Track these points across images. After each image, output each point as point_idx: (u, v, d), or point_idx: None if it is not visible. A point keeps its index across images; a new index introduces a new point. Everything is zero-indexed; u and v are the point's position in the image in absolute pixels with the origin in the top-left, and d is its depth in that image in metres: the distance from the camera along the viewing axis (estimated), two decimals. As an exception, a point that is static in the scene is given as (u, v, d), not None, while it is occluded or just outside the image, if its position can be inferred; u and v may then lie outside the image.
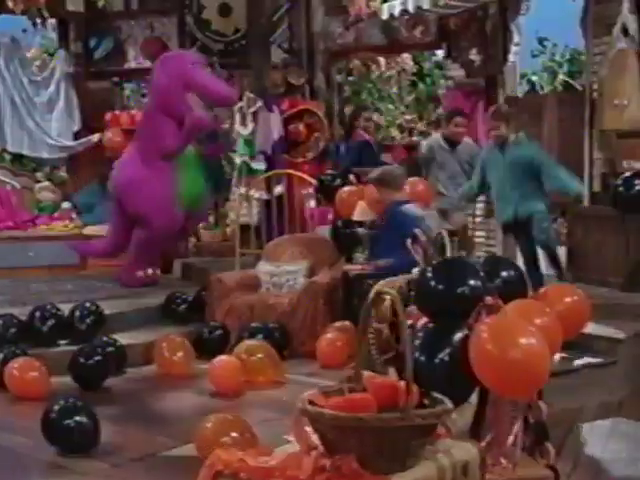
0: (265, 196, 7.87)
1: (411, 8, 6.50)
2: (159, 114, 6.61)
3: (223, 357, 5.01)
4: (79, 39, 8.68)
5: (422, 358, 2.16)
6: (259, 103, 8.03)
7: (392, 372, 2.63)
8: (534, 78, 12.07)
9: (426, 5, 6.33)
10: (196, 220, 7.69)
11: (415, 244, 3.15)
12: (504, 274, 2.69)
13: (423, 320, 2.89)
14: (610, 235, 5.66)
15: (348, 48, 8.52)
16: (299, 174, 7.01)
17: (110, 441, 3.85)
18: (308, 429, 1.76)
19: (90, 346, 5.16)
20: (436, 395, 1.73)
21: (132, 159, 6.88)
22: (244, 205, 8.11)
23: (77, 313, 5.66)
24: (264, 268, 6.41)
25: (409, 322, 2.96)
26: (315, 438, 1.69)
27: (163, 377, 5.24)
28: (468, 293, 2.25)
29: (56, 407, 3.75)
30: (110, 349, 5.28)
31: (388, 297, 3.14)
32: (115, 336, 5.57)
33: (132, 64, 8.81)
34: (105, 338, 5.41)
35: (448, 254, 3.07)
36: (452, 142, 6.85)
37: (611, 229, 5.69)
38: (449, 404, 1.71)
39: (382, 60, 10.42)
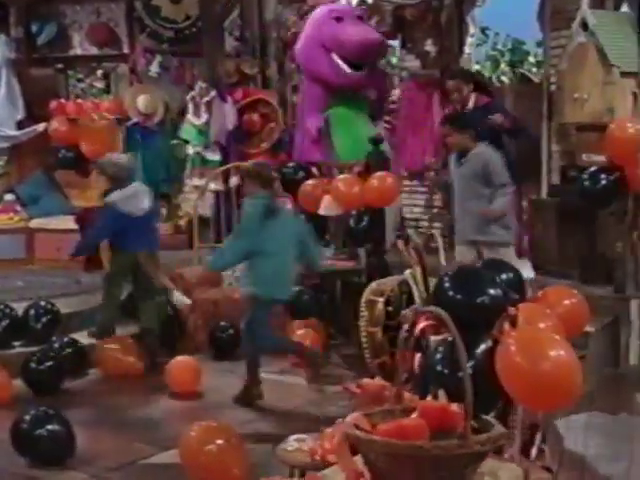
0: (221, 187, 7.73)
1: (370, -1, 6.43)
2: None
3: (181, 358, 4.92)
4: (20, 24, 8.30)
5: (445, 371, 2.12)
6: (212, 93, 7.87)
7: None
8: (477, 67, 12.23)
9: (384, -5, 6.27)
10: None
11: (408, 245, 3.11)
12: (504, 277, 2.67)
13: (421, 324, 2.87)
14: (571, 227, 5.75)
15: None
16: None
17: (85, 449, 3.71)
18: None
19: (44, 349, 4.95)
20: (483, 417, 1.69)
21: None
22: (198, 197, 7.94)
23: (32, 312, 5.44)
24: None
25: (406, 327, 2.95)
26: (362, 464, 1.63)
27: (123, 379, 5.09)
28: (489, 303, 2.22)
29: (27, 417, 3.58)
30: (68, 350, 5.09)
31: (381, 300, 3.13)
32: (75, 336, 5.39)
33: (78, 50, 8.48)
34: (65, 339, 5.22)
35: (441, 256, 3.04)
36: None
37: (572, 221, 5.78)
38: (500, 427, 1.68)
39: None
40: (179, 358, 4.93)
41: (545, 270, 6.05)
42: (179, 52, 8.26)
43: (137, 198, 5.35)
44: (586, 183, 4.80)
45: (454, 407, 1.64)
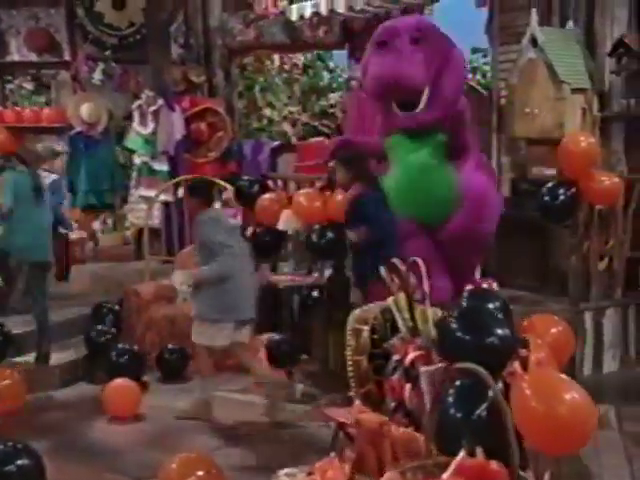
0: (170, 198, 7.59)
1: (324, 10, 6.41)
2: None
3: (119, 380, 4.81)
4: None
5: (458, 415, 2.11)
6: (160, 101, 7.71)
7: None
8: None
9: (341, 9, 6.26)
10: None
11: (392, 273, 3.11)
12: (491, 306, 2.70)
13: (411, 355, 2.87)
14: (524, 240, 5.88)
15: (248, 45, 8.32)
16: (216, 180, 6.78)
17: (55, 483, 3.56)
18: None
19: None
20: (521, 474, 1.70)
21: None
22: (144, 207, 7.78)
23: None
24: (179, 277, 6.17)
25: (396, 357, 2.95)
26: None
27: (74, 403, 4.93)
28: (498, 344, 2.24)
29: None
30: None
31: (366, 328, 3.12)
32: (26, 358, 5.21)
33: (15, 57, 8.18)
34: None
35: (425, 285, 3.05)
36: None
37: (525, 234, 5.91)
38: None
39: (276, 55, 10.30)
40: (117, 381, 4.80)
41: (498, 282, 6.18)
42: (123, 59, 8.07)
43: None
44: (546, 198, 4.91)
45: (494, 465, 1.65)
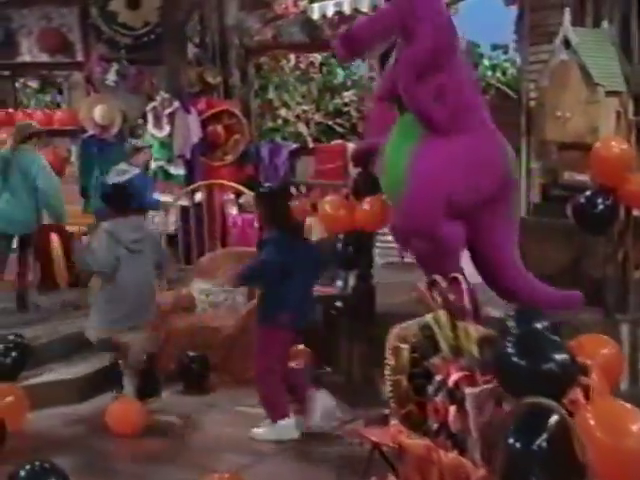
0: (187, 203, 7.60)
1: (347, 10, 6.40)
2: None
3: (123, 399, 4.81)
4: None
5: (517, 445, 2.09)
6: (175, 104, 7.72)
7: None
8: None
9: (365, 8, 6.25)
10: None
11: (433, 289, 3.10)
12: (540, 326, 2.69)
13: (455, 376, 2.86)
14: (555, 248, 5.85)
15: (266, 45, 8.33)
16: (235, 185, 6.80)
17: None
18: None
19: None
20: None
21: None
22: (159, 213, 7.79)
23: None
24: (199, 286, 6.19)
25: (438, 377, 2.94)
26: None
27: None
28: (558, 371, 2.22)
29: (22, 473, 3.41)
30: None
31: (406, 347, 3.11)
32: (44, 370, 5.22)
33: (26, 57, 8.21)
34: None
35: (466, 302, 3.04)
36: None
37: (555, 242, 5.88)
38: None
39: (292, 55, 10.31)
40: (121, 399, 4.79)
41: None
42: (137, 60, 8.07)
43: None
44: (583, 207, 4.88)
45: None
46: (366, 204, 5.31)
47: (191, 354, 5.50)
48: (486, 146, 4.39)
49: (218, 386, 5.48)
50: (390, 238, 7.11)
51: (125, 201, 5.21)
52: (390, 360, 3.06)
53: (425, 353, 3.07)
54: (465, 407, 2.73)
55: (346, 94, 15.17)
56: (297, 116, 12.97)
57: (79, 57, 8.07)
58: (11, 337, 5.23)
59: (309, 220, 5.63)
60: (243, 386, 5.40)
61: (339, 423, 4.65)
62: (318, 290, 5.61)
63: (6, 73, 8.27)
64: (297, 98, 13.66)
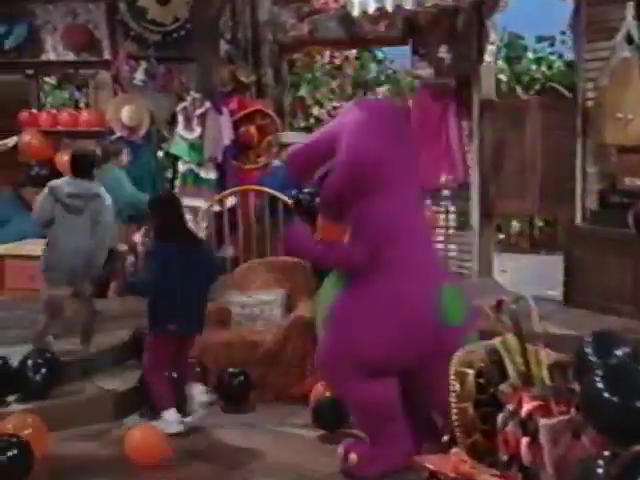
0: (219, 208, 7.60)
1: (389, 6, 6.38)
2: None
3: (143, 426, 4.70)
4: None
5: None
6: (207, 104, 7.74)
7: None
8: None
9: (408, 4, 6.22)
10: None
11: (500, 310, 3.07)
12: (618, 353, 2.64)
13: (528, 405, 2.83)
14: (616, 258, 5.78)
15: (301, 41, 8.32)
16: (271, 191, 6.78)
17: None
18: None
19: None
20: None
21: None
22: (188, 218, 7.80)
23: (30, 362, 5.23)
24: (234, 298, 6.19)
25: (510, 407, 2.90)
26: None
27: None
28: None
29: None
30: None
31: (471, 372, 3.08)
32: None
33: (51, 55, 8.27)
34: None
35: (534, 321, 3.00)
36: None
37: (615, 251, 5.81)
38: None
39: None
40: (140, 426, 4.70)
41: (580, 303, 6.09)
42: (166, 58, 8.10)
43: None
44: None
45: None
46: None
47: (231, 370, 5.49)
48: (412, 293, 3.98)
49: (258, 404, 5.46)
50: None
51: (83, 166, 5.56)
52: (454, 386, 3.02)
53: (492, 379, 3.03)
54: (539, 439, 2.70)
55: (379, 90, 15.13)
56: (329, 114, 12.95)
57: (106, 55, 8.10)
58: (41, 352, 5.30)
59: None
60: (284, 404, 5.43)
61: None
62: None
63: (29, 72, 8.31)
64: (329, 94, 13.64)
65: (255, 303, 6.09)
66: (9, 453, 4.16)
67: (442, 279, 4.15)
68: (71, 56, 8.21)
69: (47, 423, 4.60)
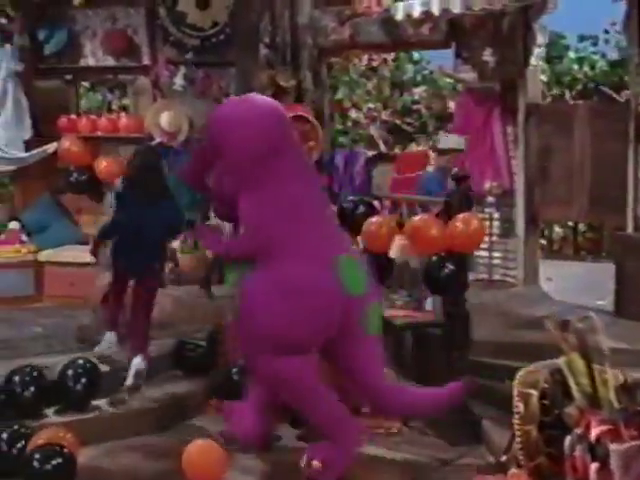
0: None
1: (436, 10, 6.33)
2: None
3: (200, 442, 4.50)
4: (25, 31, 8.16)
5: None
6: (246, 109, 7.73)
7: None
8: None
9: (457, 9, 6.17)
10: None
11: (564, 328, 3.02)
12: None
13: (597, 429, 2.78)
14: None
15: (342, 45, 8.30)
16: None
17: None
18: None
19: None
20: None
21: None
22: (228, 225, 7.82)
23: (69, 373, 5.27)
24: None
25: (578, 431, 2.86)
26: None
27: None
28: None
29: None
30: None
31: (535, 394, 3.03)
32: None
33: (90, 60, 8.34)
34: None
35: (602, 341, 2.95)
36: None
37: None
38: None
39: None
40: (198, 442, 4.52)
41: (633, 315, 6.00)
42: (205, 62, 8.13)
43: None
44: None
45: None
46: (460, 223, 5.26)
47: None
48: (313, 274, 4.28)
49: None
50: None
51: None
52: (518, 407, 2.98)
53: (556, 400, 2.99)
54: (609, 465, 2.65)
55: (416, 90, 15.07)
56: (367, 117, 12.95)
57: (145, 60, 8.14)
58: (80, 361, 5.31)
59: (397, 240, 5.55)
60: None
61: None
62: (410, 316, 5.58)
63: (68, 77, 8.39)
64: (365, 96, 13.63)
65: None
66: (53, 462, 4.22)
67: (340, 251, 4.43)
68: (110, 61, 8.26)
69: (88, 435, 4.63)
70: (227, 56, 8.10)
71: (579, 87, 13.16)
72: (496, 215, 7.68)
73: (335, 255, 4.34)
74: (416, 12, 6.52)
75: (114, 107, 12.51)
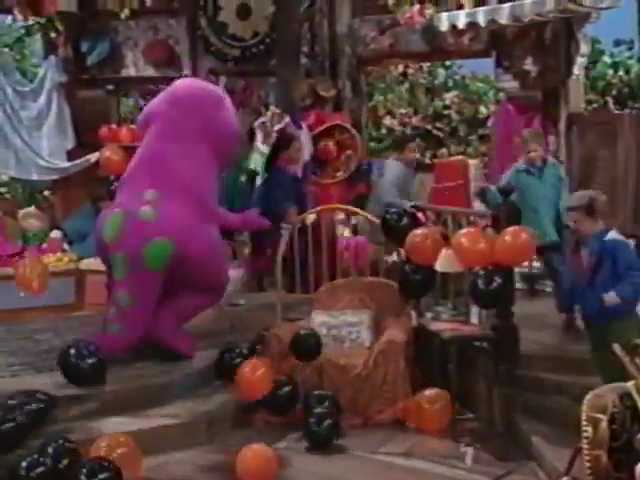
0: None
1: (482, 21, 6.29)
2: None
3: (256, 446, 4.62)
4: (69, 42, 8.23)
5: None
6: (286, 119, 7.74)
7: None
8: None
9: (504, 20, 6.12)
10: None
11: (634, 353, 2.98)
12: None
13: (672, 456, 2.73)
14: None
15: (382, 54, 8.29)
16: (358, 211, 6.76)
17: None
18: None
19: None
20: None
21: None
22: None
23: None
24: (319, 318, 6.17)
25: (652, 459, 2.81)
26: None
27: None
28: None
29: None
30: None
31: (605, 418, 2.99)
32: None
33: (131, 71, 8.41)
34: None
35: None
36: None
37: None
38: None
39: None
40: (253, 447, 4.62)
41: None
42: (245, 72, 8.16)
43: None
44: None
45: None
46: (507, 236, 5.21)
47: (317, 393, 5.45)
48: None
49: (347, 430, 5.43)
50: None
51: None
52: (587, 432, 2.94)
53: (625, 425, 2.94)
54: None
55: (447, 95, 14.99)
56: (400, 122, 12.90)
57: (186, 70, 8.19)
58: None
59: (444, 253, 5.51)
60: (374, 430, 5.39)
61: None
62: (457, 329, 5.55)
63: (110, 87, 8.45)
64: (397, 102, 13.58)
65: (341, 324, 6.06)
66: (100, 476, 4.22)
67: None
68: (151, 71, 8.31)
69: (141, 447, 4.64)
70: (267, 66, 8.14)
71: (614, 92, 13.00)
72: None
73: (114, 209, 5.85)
74: (461, 23, 6.49)
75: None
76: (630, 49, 13.86)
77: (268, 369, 5.34)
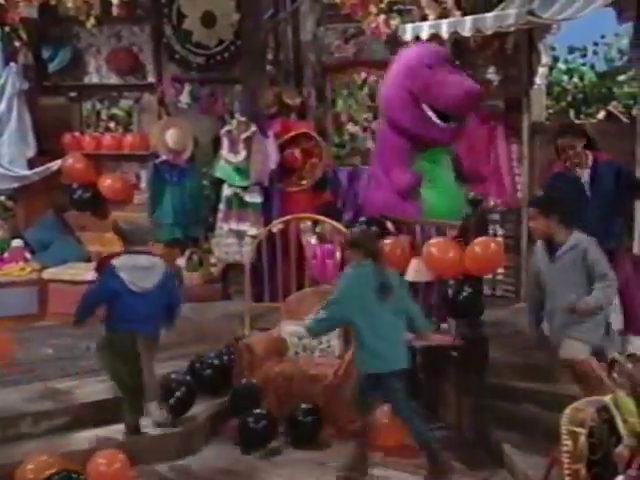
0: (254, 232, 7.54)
1: (445, 34, 6.32)
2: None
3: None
4: (30, 49, 8.06)
5: None
6: (253, 127, 7.68)
7: None
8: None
9: (466, 32, 6.16)
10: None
11: (611, 367, 3.01)
12: None
13: (650, 469, 2.77)
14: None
15: (346, 62, 8.29)
16: (333, 223, 6.76)
17: None
18: None
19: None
20: None
21: None
22: (234, 242, 7.79)
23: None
24: (289, 328, 6.15)
25: (631, 473, 2.85)
26: None
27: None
28: None
29: None
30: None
31: (584, 432, 3.02)
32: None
33: (94, 78, 8.27)
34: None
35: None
36: None
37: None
38: None
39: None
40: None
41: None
42: (209, 80, 8.08)
43: (142, 272, 5.13)
44: None
45: None
46: (477, 247, 5.25)
47: (303, 406, 5.45)
48: None
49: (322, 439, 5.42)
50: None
51: None
52: (567, 446, 2.97)
53: (603, 438, 2.98)
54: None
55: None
56: (365, 129, 12.85)
57: (150, 78, 8.08)
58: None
59: (414, 262, 5.54)
60: (348, 440, 5.37)
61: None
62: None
63: (72, 94, 8.28)
64: (356, 107, 13.56)
65: (312, 334, 6.03)
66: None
67: None
68: (114, 79, 8.19)
69: (136, 457, 4.61)
70: (232, 73, 8.07)
71: (569, 98, 13.22)
72: (500, 232, 7.70)
73: None
74: (424, 34, 6.50)
75: (103, 117, 12.41)
76: (584, 56, 14.10)
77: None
